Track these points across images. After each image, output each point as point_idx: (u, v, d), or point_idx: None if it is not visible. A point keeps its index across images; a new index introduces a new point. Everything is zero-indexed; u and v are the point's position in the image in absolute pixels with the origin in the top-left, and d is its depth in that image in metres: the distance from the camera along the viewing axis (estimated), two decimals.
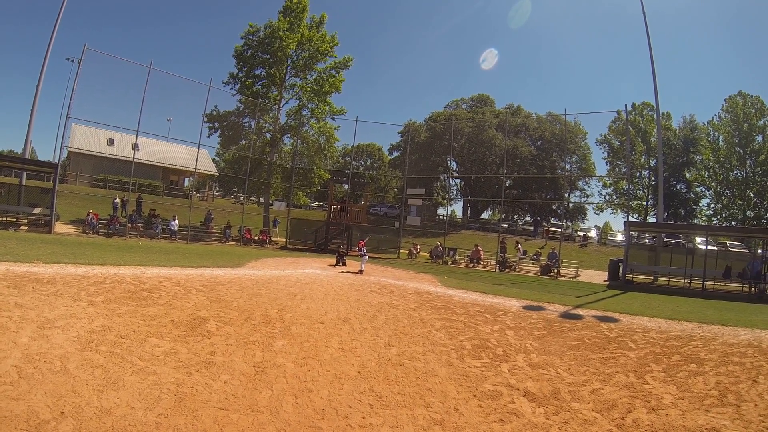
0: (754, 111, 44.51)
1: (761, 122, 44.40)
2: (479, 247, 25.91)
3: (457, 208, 64.32)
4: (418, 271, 19.20)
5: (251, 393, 5.03)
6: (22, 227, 20.25)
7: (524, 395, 5.63)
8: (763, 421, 5.41)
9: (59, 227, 21.75)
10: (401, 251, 28.40)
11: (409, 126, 49.12)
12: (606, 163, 50.61)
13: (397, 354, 6.99)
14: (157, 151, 36.40)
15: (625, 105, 33.31)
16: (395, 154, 57.36)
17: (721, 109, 46.79)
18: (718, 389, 6.31)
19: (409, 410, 5.01)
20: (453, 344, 7.73)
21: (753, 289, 19.45)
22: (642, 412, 5.38)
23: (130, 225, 23.35)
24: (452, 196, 55.94)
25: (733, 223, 44.87)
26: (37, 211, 21.55)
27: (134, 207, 25.67)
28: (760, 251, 25.73)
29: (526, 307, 11.61)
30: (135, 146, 25.28)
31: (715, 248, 27.03)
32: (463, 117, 51.05)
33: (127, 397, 4.52)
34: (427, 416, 4.89)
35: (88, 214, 22.55)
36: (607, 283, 20.71)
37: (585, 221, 52.95)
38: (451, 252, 26.85)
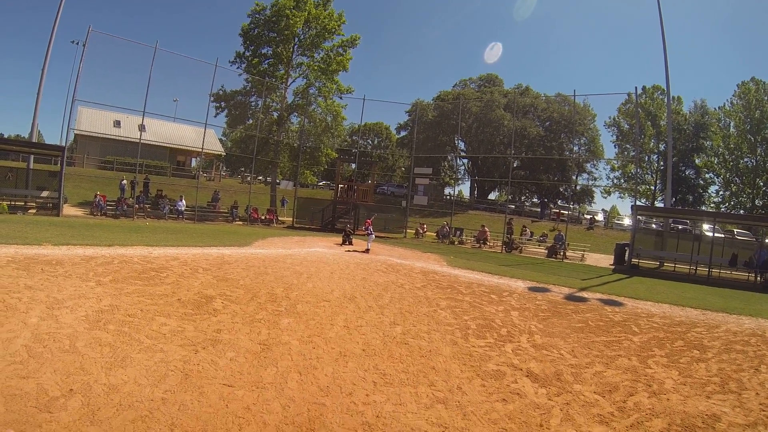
0: (766, 98, 43.69)
1: None
2: (486, 228, 25.95)
3: (465, 188, 64.39)
4: (424, 250, 19.28)
5: (256, 370, 5.09)
6: (30, 210, 20.41)
7: (527, 376, 5.66)
8: (764, 410, 5.45)
9: (67, 210, 21.91)
10: (408, 231, 28.45)
11: (416, 105, 48.69)
12: (614, 146, 50.02)
13: (401, 332, 7.04)
14: (164, 131, 36.39)
15: (636, 87, 33.01)
16: (403, 133, 57.31)
17: (733, 95, 45.77)
18: (720, 376, 6.34)
19: (413, 388, 5.04)
20: (458, 324, 7.77)
21: (759, 278, 19.33)
22: (643, 395, 5.41)
23: (137, 206, 23.49)
24: (460, 176, 55.93)
25: (742, 211, 44.36)
26: (45, 194, 21.70)
27: (141, 188, 25.79)
28: (767, 240, 25.57)
29: (532, 289, 11.66)
30: (141, 127, 25.35)
31: (722, 236, 26.79)
32: (472, 96, 50.67)
33: (135, 374, 4.59)
34: (431, 394, 4.92)
35: (95, 196, 22.71)
36: (612, 266, 20.71)
37: (592, 204, 52.57)
38: (458, 232, 26.94)
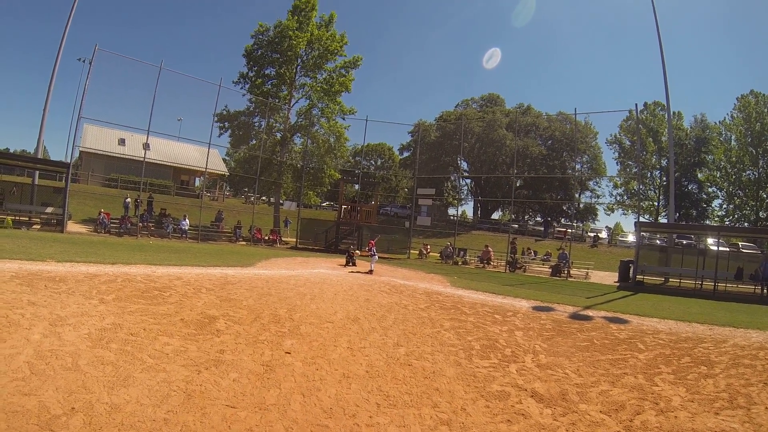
0: (766, 110, 43.89)
1: None
2: (489, 248, 25.93)
3: (468, 208, 64.44)
4: (428, 271, 19.22)
5: (259, 391, 5.06)
6: (34, 226, 20.54)
7: (532, 396, 5.61)
8: None
9: (71, 226, 22.05)
10: (411, 251, 28.47)
11: (419, 126, 49.19)
12: (617, 163, 50.39)
13: (405, 354, 6.99)
14: (168, 150, 36.73)
15: (636, 104, 33.23)
16: (405, 154, 57.50)
17: (733, 109, 46.12)
18: (728, 392, 6.25)
19: (417, 410, 5.00)
20: (461, 344, 7.71)
21: (765, 290, 19.21)
22: (651, 414, 5.33)
23: (141, 224, 23.60)
24: (463, 196, 56.04)
25: (746, 223, 44.22)
26: (49, 210, 21.87)
27: (145, 206, 25.92)
28: None
29: (536, 308, 11.58)
30: (146, 146, 25.54)
31: (727, 249, 26.73)
32: (474, 117, 51.16)
33: (137, 393, 4.57)
34: (435, 416, 4.88)
35: (99, 214, 22.83)
36: (617, 284, 20.60)
37: (596, 222, 52.65)
38: (461, 252, 26.89)
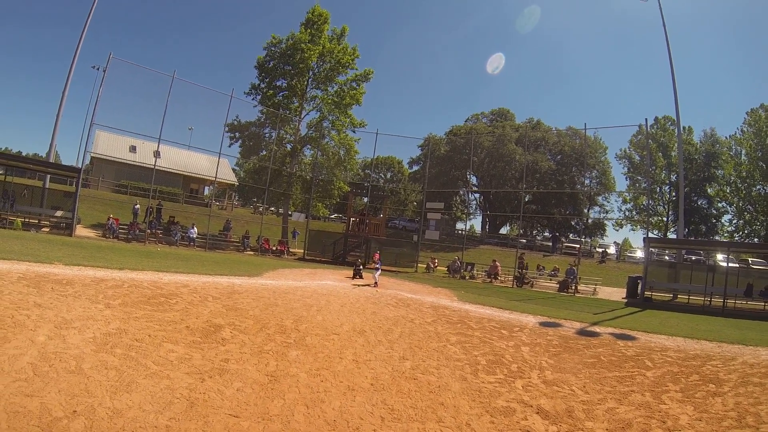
0: None
1: None
2: (497, 263, 25.84)
3: (476, 223, 64.41)
4: (435, 285, 19.20)
5: (263, 401, 5.05)
6: (44, 229, 20.75)
7: (537, 412, 5.56)
8: None
9: (80, 230, 22.24)
10: (419, 265, 28.41)
11: (429, 139, 49.43)
12: (626, 178, 50.09)
13: (411, 367, 6.96)
14: (178, 159, 37.09)
15: (646, 119, 32.98)
16: (415, 168, 57.89)
17: (744, 123, 45.71)
18: (737, 410, 6.18)
19: (421, 424, 4.97)
20: (467, 359, 7.68)
21: None
22: None
23: (149, 231, 23.75)
24: (471, 211, 55.92)
25: (756, 239, 43.71)
26: (59, 213, 22.09)
27: (154, 214, 26.11)
28: None
29: (543, 324, 11.51)
30: (156, 154, 25.78)
31: (737, 265, 26.43)
32: (483, 131, 51.40)
33: (140, 399, 4.58)
34: (439, 430, 4.85)
35: (108, 219, 23.03)
36: (625, 300, 20.46)
37: (604, 237, 52.46)
38: (469, 267, 26.81)
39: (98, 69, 35.19)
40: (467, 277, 25.36)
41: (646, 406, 6.06)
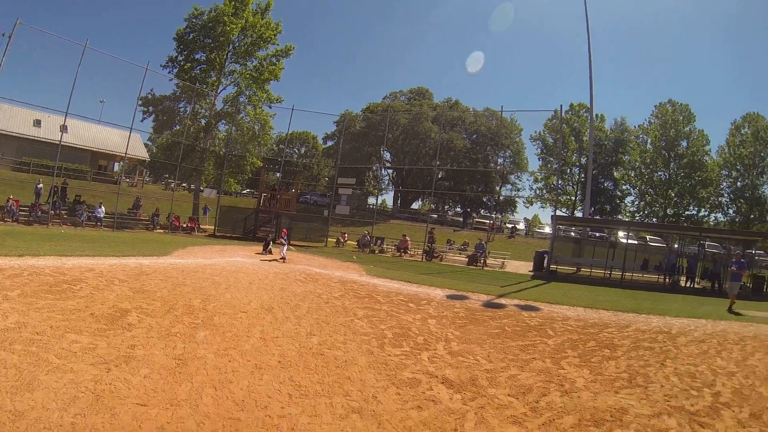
0: (681, 118, 48.21)
1: (687, 128, 48.01)
2: (407, 237, 26.17)
3: (388, 198, 65.00)
4: (344, 259, 19.12)
5: (171, 387, 4.97)
6: None
7: (442, 382, 5.74)
8: (668, 401, 5.80)
9: None
10: (329, 240, 28.30)
11: (345, 116, 49.23)
12: (538, 159, 52.63)
13: (318, 343, 6.98)
14: (87, 134, 34.40)
15: (561, 105, 34.82)
16: (329, 143, 57.40)
17: (651, 115, 50.02)
18: (628, 372, 6.74)
19: (328, 399, 5.03)
20: (374, 333, 7.75)
21: (667, 280, 20.92)
22: (556, 395, 5.66)
23: (53, 212, 21.99)
24: (383, 186, 56.67)
25: (654, 219, 48.12)
26: None
27: (59, 193, 24.21)
28: (676, 246, 27.89)
29: (450, 297, 11.67)
30: (63, 128, 23.87)
31: (636, 242, 28.81)
32: (401, 109, 51.78)
33: (42, 398, 4.33)
34: (346, 404, 4.94)
35: (8, 200, 21.05)
36: (531, 273, 21.27)
37: (514, 214, 54.81)
38: (379, 241, 26.99)
39: (3, 35, 31.63)
40: (377, 252, 25.51)
41: (546, 372, 6.45)
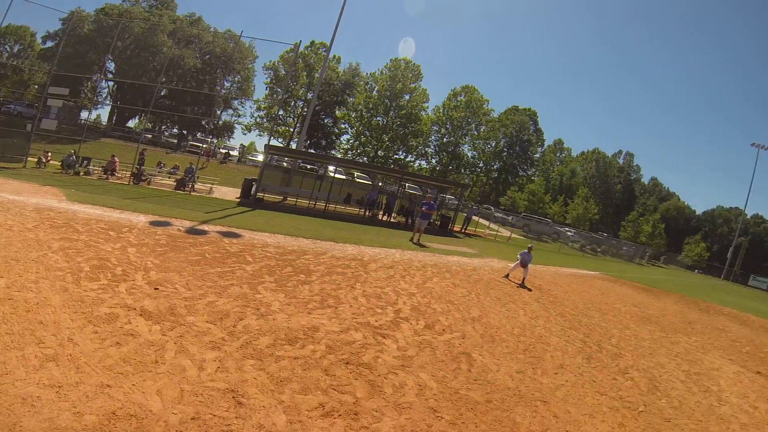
0: (410, 75, 56.45)
1: (413, 85, 56.18)
2: (116, 158, 23.90)
3: (103, 113, 57.47)
4: (44, 183, 16.27)
5: None
6: None
7: (141, 315, 5.65)
8: (355, 318, 6.93)
9: None
10: (30, 159, 23.29)
11: (75, 13, 40.94)
12: (266, 87, 53.62)
13: (5, 286, 5.86)
14: None
15: (301, 40, 35.40)
16: (49, 44, 46.97)
17: (385, 66, 56.76)
18: (321, 295, 7.66)
19: (20, 351, 4.43)
20: (70, 267, 6.96)
21: (368, 213, 24.43)
22: (252, 318, 6.08)
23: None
24: (101, 100, 50.24)
25: (365, 158, 55.51)
26: None
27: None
28: (380, 184, 32.90)
29: (153, 223, 11.35)
30: None
31: (344, 177, 31.71)
32: (140, 16, 45.68)
33: None
34: (40, 353, 4.45)
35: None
36: (238, 200, 21.84)
37: (231, 139, 55.57)
38: (85, 162, 23.79)
39: None
40: (82, 173, 22.61)
41: (243, 297, 6.84)
